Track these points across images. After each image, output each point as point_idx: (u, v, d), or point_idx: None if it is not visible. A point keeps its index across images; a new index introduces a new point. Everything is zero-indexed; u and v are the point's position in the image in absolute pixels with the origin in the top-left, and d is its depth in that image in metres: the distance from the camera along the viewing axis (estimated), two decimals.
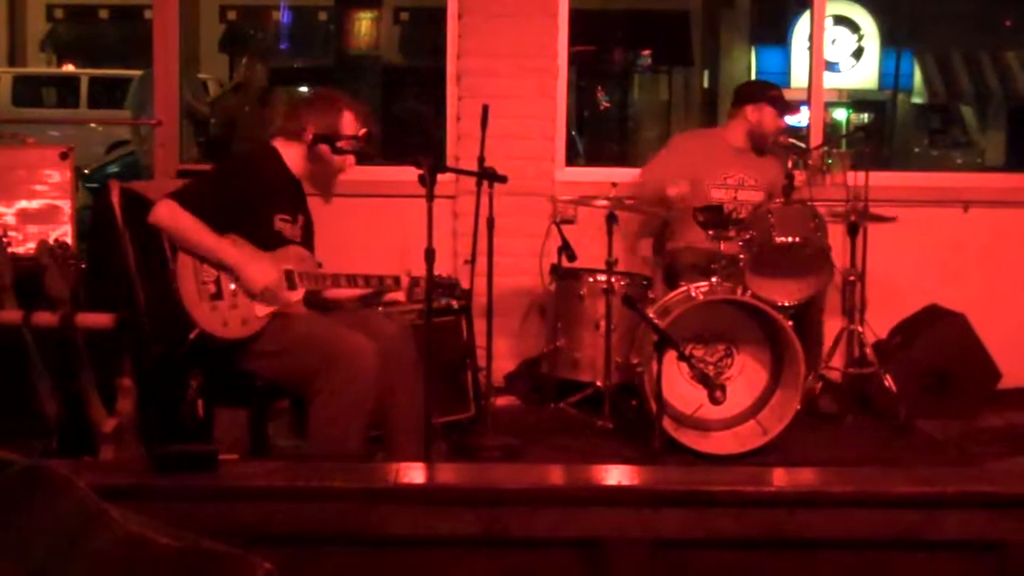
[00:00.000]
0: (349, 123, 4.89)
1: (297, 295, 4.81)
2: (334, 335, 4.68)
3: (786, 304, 6.01)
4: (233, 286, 4.63)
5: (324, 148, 4.84)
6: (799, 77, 16.69)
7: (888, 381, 6.38)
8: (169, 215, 4.57)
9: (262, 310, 4.67)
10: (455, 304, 5.90)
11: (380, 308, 5.49)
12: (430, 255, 4.74)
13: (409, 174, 4.90)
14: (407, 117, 13.37)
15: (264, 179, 4.82)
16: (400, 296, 5.13)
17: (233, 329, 4.61)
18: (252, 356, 4.66)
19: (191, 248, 4.60)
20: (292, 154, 4.90)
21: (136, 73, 11.13)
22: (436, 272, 4.85)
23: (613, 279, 6.08)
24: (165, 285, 4.59)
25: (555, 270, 6.41)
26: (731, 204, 6.49)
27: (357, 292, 5.00)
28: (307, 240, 5.03)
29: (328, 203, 5.08)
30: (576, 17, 7.28)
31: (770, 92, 6.80)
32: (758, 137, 6.65)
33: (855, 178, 6.76)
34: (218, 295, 4.60)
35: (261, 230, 4.74)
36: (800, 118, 7.59)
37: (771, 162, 6.69)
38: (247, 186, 4.75)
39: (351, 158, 4.94)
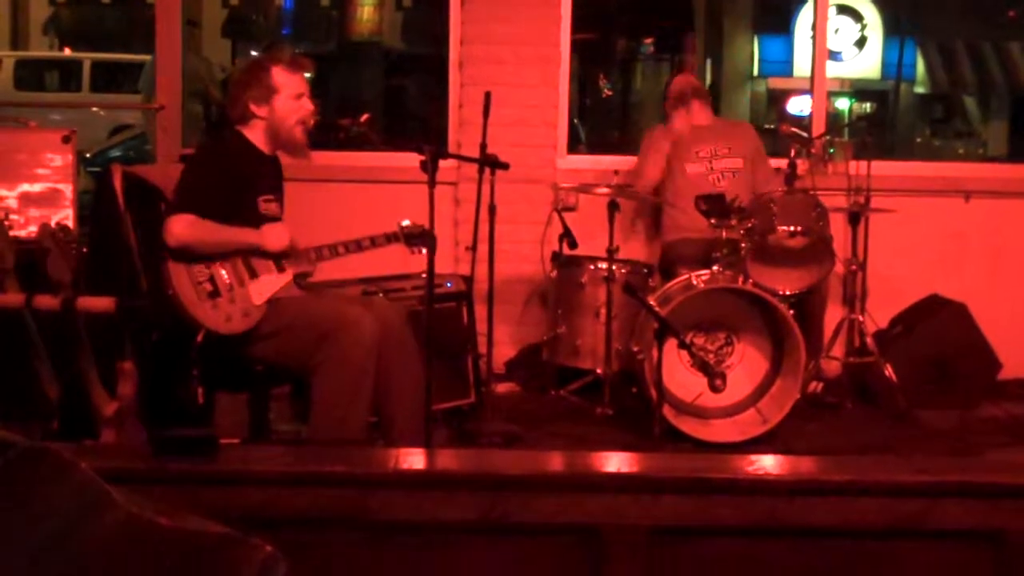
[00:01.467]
0: (283, 78, 4.86)
1: (288, 276, 4.82)
2: (332, 308, 4.72)
3: (787, 293, 6.02)
4: (229, 280, 4.64)
5: (268, 109, 4.82)
6: (802, 66, 16.67)
7: (888, 370, 6.39)
8: (187, 226, 4.55)
9: (259, 297, 4.68)
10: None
11: (381, 295, 5.50)
12: (431, 241, 4.74)
13: (411, 160, 4.91)
14: (409, 103, 13.35)
15: (239, 164, 4.81)
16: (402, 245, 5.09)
17: (236, 323, 4.63)
18: (255, 342, 4.67)
19: (214, 250, 4.63)
20: (255, 134, 4.89)
21: (139, 57, 11.12)
22: (437, 261, 4.85)
23: (614, 267, 6.09)
24: (162, 286, 4.59)
25: (556, 257, 6.42)
26: (710, 176, 6.56)
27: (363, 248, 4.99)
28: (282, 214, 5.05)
29: (308, 160, 5.02)
30: (578, 5, 7.28)
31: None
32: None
33: (857, 167, 6.76)
34: (216, 292, 4.61)
35: (249, 214, 4.74)
36: (803, 107, 7.62)
37: (734, 128, 6.79)
38: (227, 174, 4.75)
39: (306, 101, 4.90)
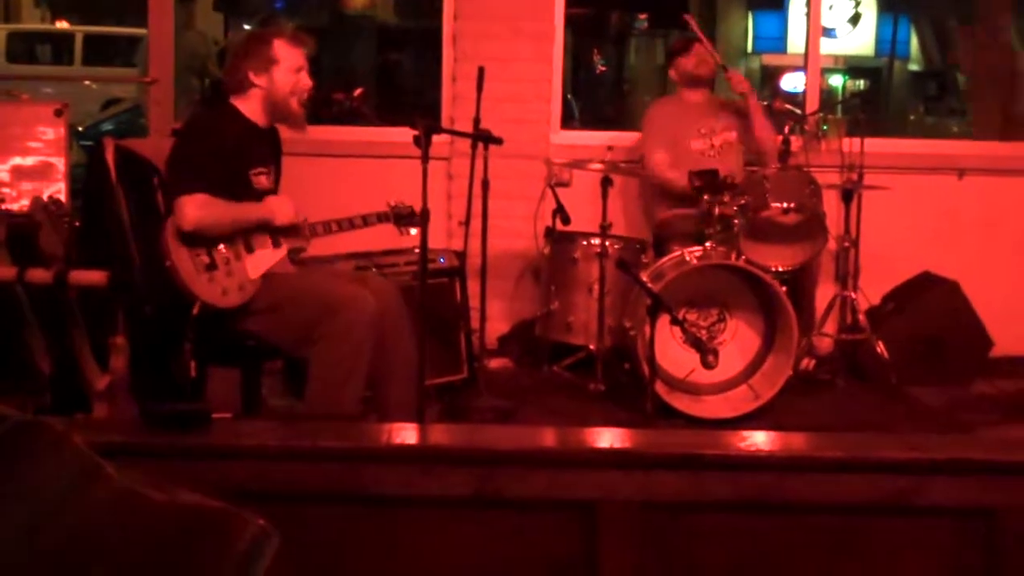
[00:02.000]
0: (284, 51, 4.84)
1: (283, 251, 4.82)
2: (330, 285, 4.72)
3: (780, 269, 6.02)
4: (226, 253, 4.63)
5: (267, 79, 4.82)
6: (796, 43, 16.66)
7: (880, 347, 6.40)
8: (199, 207, 4.53)
9: (255, 271, 4.68)
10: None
11: (374, 269, 5.50)
12: (424, 216, 4.74)
13: (404, 135, 4.90)
14: (402, 78, 13.32)
15: (229, 136, 4.78)
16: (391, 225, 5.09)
17: (232, 296, 4.62)
18: (251, 317, 4.67)
19: (229, 230, 4.63)
20: (251, 106, 4.86)
21: (132, 31, 11.08)
22: (430, 236, 4.84)
23: (607, 243, 6.09)
24: (158, 257, 4.57)
25: (549, 233, 6.42)
26: (711, 151, 6.56)
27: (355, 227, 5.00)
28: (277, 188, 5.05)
29: (304, 132, 5.01)
30: None
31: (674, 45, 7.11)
32: (697, 78, 6.74)
33: (850, 144, 6.76)
34: (213, 265, 4.60)
35: (240, 187, 4.72)
36: (797, 84, 7.62)
37: (722, 102, 6.84)
38: (217, 147, 4.71)
39: (304, 76, 4.89)
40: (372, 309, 4.59)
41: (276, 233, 4.78)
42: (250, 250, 4.70)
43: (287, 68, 4.83)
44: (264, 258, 4.73)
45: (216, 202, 4.56)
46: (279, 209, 4.77)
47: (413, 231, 4.93)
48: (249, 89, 4.83)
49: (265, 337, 4.72)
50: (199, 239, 4.57)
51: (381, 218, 5.01)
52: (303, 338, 4.61)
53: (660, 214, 6.69)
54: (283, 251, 4.81)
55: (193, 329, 4.60)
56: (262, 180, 4.83)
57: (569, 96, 10.96)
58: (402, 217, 5.01)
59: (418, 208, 4.79)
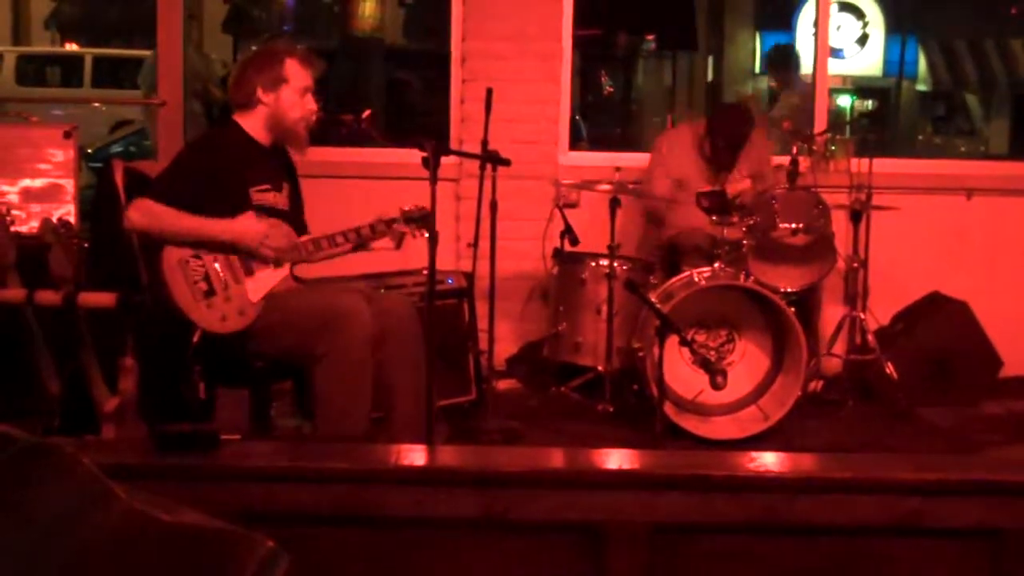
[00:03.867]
0: (294, 71, 4.84)
1: (285, 270, 4.81)
2: (327, 299, 4.72)
3: (789, 290, 6.02)
4: (224, 277, 4.63)
5: (274, 98, 4.82)
6: (804, 63, 16.65)
7: (889, 368, 6.39)
8: (144, 213, 4.55)
9: (256, 294, 4.67)
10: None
11: (383, 290, 5.50)
12: (433, 238, 4.74)
13: (412, 156, 4.89)
14: (411, 99, 13.35)
15: (228, 154, 4.78)
16: (388, 243, 5.07)
17: (232, 322, 4.60)
18: (252, 339, 4.66)
19: (174, 237, 4.59)
20: (253, 123, 4.86)
21: (141, 52, 11.11)
22: (438, 257, 4.84)
23: (615, 263, 6.08)
24: (158, 284, 4.57)
25: (557, 254, 6.42)
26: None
27: (347, 248, 4.99)
28: (296, 207, 5.03)
29: (303, 155, 5.02)
30: (580, 1, 7.28)
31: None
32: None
33: (858, 165, 6.76)
34: (211, 292, 4.59)
35: (241, 204, 4.70)
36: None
37: (749, 146, 6.67)
38: (211, 164, 4.72)
39: (310, 99, 4.89)
40: (368, 322, 4.58)
41: (252, 256, 4.75)
42: (250, 272, 4.69)
43: (295, 88, 4.83)
44: (265, 280, 4.72)
45: (162, 209, 4.55)
46: (246, 229, 4.67)
47: (425, 233, 4.86)
48: (255, 106, 4.83)
49: (271, 357, 4.72)
50: (194, 263, 4.57)
51: (390, 223, 4.93)
52: (306, 356, 4.61)
53: (668, 232, 6.68)
54: (285, 270, 4.79)
55: (200, 352, 4.60)
56: (267, 198, 4.81)
57: (577, 117, 10.97)
58: (413, 219, 4.94)
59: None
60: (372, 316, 4.62)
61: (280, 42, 5.00)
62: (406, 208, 4.98)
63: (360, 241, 4.95)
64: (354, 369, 4.57)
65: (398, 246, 5.01)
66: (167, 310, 4.53)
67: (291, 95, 4.83)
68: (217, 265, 4.63)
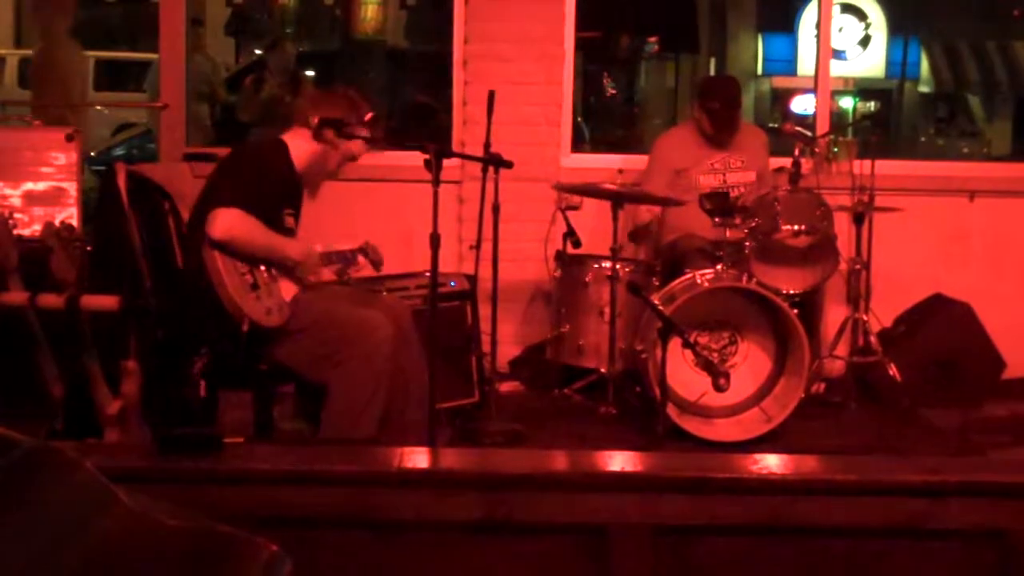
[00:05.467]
0: (361, 145, 4.97)
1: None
2: (353, 311, 4.78)
3: (791, 292, 6.01)
4: (265, 274, 4.67)
5: (332, 134, 4.86)
6: (806, 65, 16.66)
7: (892, 370, 6.39)
8: (237, 222, 4.57)
9: (288, 293, 4.72)
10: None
11: (385, 293, 5.50)
12: (435, 240, 4.74)
13: (414, 159, 4.91)
14: (412, 102, 13.36)
15: (277, 175, 4.85)
16: (368, 270, 5.16)
17: (274, 316, 4.67)
18: (278, 339, 4.69)
19: (253, 249, 4.66)
20: (300, 148, 4.91)
21: (143, 56, 11.11)
22: (441, 260, 4.85)
23: (618, 266, 6.08)
24: (202, 274, 4.59)
25: (560, 256, 6.41)
26: (723, 188, 6.51)
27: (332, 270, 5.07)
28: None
29: (313, 199, 5.09)
30: (583, 3, 7.27)
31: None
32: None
33: (861, 166, 6.76)
34: (256, 285, 4.65)
35: (273, 224, 4.75)
36: (807, 106, 7.60)
37: (747, 136, 6.73)
38: (265, 181, 4.78)
39: (361, 142, 4.95)
40: (392, 336, 4.64)
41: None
42: (280, 274, 4.75)
43: (348, 152, 4.97)
44: (291, 283, 4.82)
45: (252, 221, 4.60)
46: (302, 251, 4.82)
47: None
48: (314, 139, 4.88)
49: (286, 360, 4.74)
50: (241, 259, 4.60)
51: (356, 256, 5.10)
52: (324, 362, 4.64)
53: (669, 236, 6.68)
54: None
55: (210, 349, 4.62)
56: (290, 221, 4.92)
57: (579, 119, 10.97)
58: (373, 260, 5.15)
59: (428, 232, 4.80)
60: (392, 328, 4.67)
61: (366, 104, 5.02)
62: (363, 247, 5.08)
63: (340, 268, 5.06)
64: (371, 382, 4.63)
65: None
66: (211, 299, 4.55)
67: (343, 155, 4.97)
68: (260, 264, 4.68)
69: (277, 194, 4.84)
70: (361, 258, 5.11)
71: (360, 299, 5.01)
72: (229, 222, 4.55)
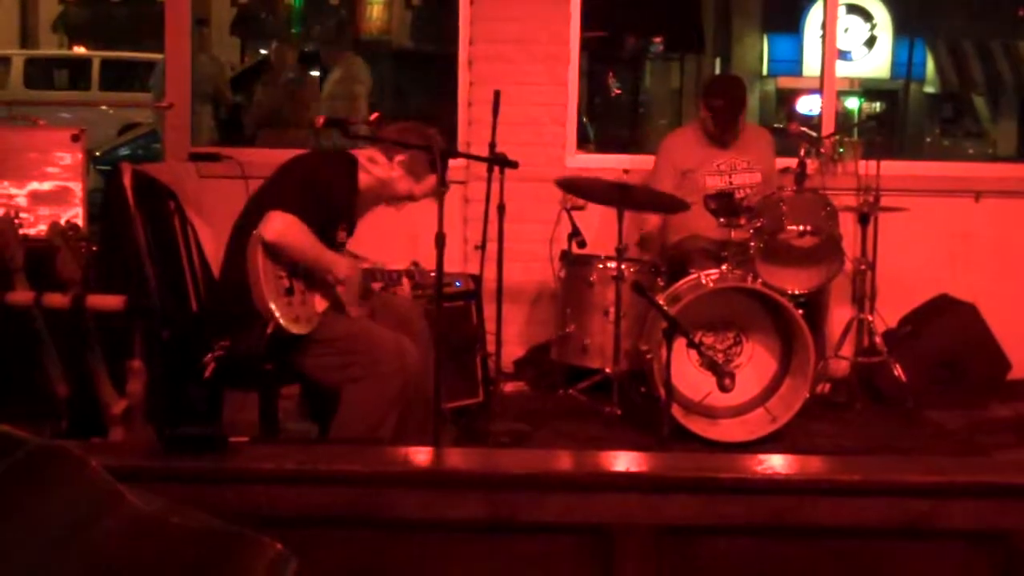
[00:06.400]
0: (427, 188, 4.97)
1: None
2: (384, 333, 4.76)
3: (796, 292, 6.01)
4: (303, 283, 4.67)
5: (400, 173, 4.89)
6: (811, 65, 16.66)
7: (897, 370, 6.39)
8: (290, 228, 4.57)
9: (321, 305, 4.72)
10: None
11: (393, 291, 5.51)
12: (440, 240, 4.75)
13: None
14: (418, 102, 13.37)
15: (340, 189, 4.86)
16: (404, 291, 5.14)
17: (302, 325, 4.64)
18: (302, 348, 4.69)
19: (301, 258, 4.65)
20: (367, 170, 4.92)
21: (148, 55, 11.12)
22: (446, 260, 4.86)
23: (623, 266, 6.07)
24: (241, 268, 4.59)
25: (565, 256, 6.41)
26: (729, 189, 6.51)
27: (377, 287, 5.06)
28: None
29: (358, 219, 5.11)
30: (588, 3, 7.27)
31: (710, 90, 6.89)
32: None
33: (866, 167, 6.76)
34: (290, 291, 4.64)
35: (326, 238, 4.76)
36: (812, 106, 7.61)
37: (752, 137, 6.72)
38: (328, 194, 4.79)
39: (428, 186, 4.95)
40: (416, 362, 4.68)
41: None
42: (315, 285, 4.76)
43: (412, 192, 4.99)
44: (324, 295, 4.81)
45: (306, 230, 4.60)
46: (345, 266, 4.78)
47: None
48: (387, 164, 4.91)
49: (304, 368, 4.74)
50: (284, 263, 4.61)
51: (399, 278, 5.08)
52: (342, 373, 4.66)
53: (674, 236, 6.68)
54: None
55: (231, 344, 4.63)
56: (342, 236, 4.92)
57: (584, 119, 10.98)
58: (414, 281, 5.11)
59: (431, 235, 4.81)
60: (416, 351, 4.71)
61: (447, 150, 5.03)
62: (411, 269, 5.07)
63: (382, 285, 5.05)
64: (389, 402, 4.66)
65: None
66: (243, 294, 4.56)
67: (406, 193, 4.99)
68: (301, 273, 4.69)
69: (336, 208, 4.84)
70: (406, 280, 5.08)
71: (391, 317, 4.99)
72: (284, 226, 4.54)
